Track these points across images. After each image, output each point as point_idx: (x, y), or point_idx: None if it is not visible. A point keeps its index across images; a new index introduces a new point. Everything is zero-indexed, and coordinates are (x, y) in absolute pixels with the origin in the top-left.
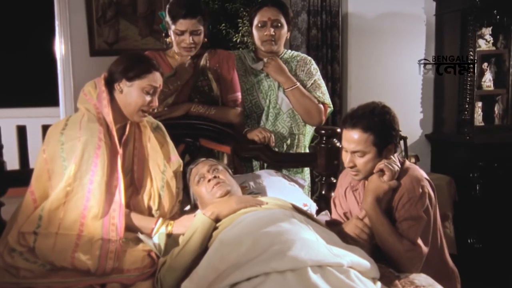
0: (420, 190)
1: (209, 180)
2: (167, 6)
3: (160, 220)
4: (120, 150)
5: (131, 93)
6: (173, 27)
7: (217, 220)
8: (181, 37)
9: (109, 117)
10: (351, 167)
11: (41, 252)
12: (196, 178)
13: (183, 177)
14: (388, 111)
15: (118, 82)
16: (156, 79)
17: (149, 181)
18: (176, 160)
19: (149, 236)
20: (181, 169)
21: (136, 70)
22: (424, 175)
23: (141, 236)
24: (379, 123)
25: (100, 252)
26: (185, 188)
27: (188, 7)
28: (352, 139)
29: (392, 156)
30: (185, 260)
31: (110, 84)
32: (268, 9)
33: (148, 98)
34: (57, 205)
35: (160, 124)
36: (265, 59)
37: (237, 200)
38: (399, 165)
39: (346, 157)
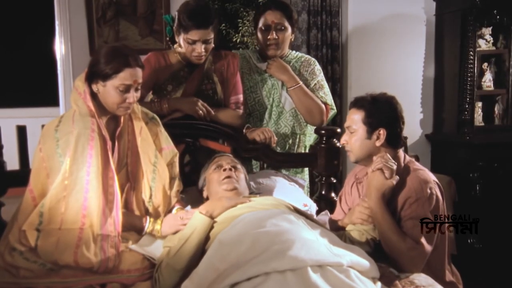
0: (428, 192)
1: (224, 170)
2: (176, 12)
3: (149, 219)
4: (116, 143)
5: (107, 92)
6: (184, 36)
7: (211, 218)
8: (192, 46)
9: (93, 111)
10: (344, 145)
11: (44, 251)
12: (214, 166)
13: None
14: (388, 99)
15: (95, 83)
16: (128, 76)
17: (142, 174)
18: (170, 150)
19: (140, 234)
20: (176, 159)
21: (107, 70)
22: (433, 177)
23: (134, 247)
24: (371, 102)
25: (101, 247)
26: (184, 190)
27: (202, 17)
28: (348, 116)
29: (389, 153)
30: (184, 260)
31: (90, 81)
32: (272, 12)
33: (124, 95)
34: (56, 200)
35: (155, 115)
36: (268, 60)
37: (228, 199)
38: (395, 162)
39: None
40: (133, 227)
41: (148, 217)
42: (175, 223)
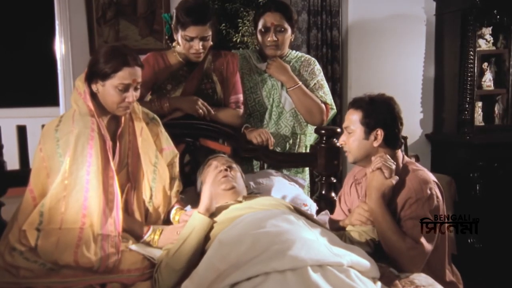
0: (429, 192)
1: (220, 171)
2: (174, 10)
3: (151, 229)
4: (117, 143)
5: (107, 92)
6: (182, 33)
7: (211, 214)
8: (190, 43)
9: (93, 111)
10: (342, 146)
11: (44, 251)
12: (210, 168)
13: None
14: (386, 99)
15: (95, 83)
16: (126, 75)
17: (142, 175)
18: (170, 150)
19: (138, 240)
20: (177, 159)
21: (106, 69)
22: (433, 177)
23: (134, 247)
24: (369, 103)
25: (101, 247)
26: (183, 190)
27: (199, 14)
28: (346, 117)
29: (387, 154)
30: (183, 260)
31: (90, 81)
32: (271, 14)
33: (123, 94)
34: (57, 200)
35: (156, 116)
36: (268, 60)
37: (208, 184)
38: (394, 162)
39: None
40: (132, 233)
41: (151, 228)
42: (172, 237)
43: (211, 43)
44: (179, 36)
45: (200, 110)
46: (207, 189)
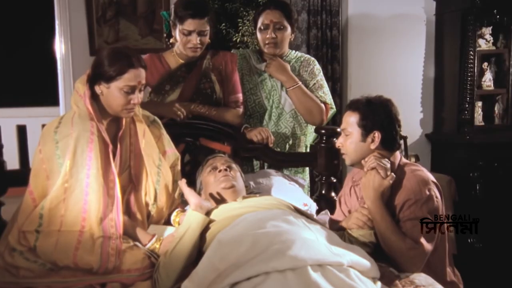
0: (427, 193)
1: (219, 171)
2: (173, 5)
3: (155, 238)
4: (118, 145)
5: (111, 94)
6: (180, 27)
7: (210, 214)
8: (188, 37)
9: (92, 114)
10: (340, 148)
11: (43, 251)
12: (209, 168)
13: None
14: (383, 101)
15: (98, 85)
16: (132, 77)
17: (145, 176)
18: (173, 153)
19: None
20: (179, 162)
21: (111, 72)
22: (432, 178)
23: (138, 244)
24: (366, 105)
25: (101, 249)
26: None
27: (197, 7)
28: (344, 119)
29: (384, 156)
30: (180, 259)
31: (93, 83)
32: (271, 11)
33: (128, 96)
34: (57, 203)
35: (157, 118)
36: (267, 59)
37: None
38: (388, 161)
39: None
40: (135, 239)
41: (154, 237)
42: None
43: (209, 40)
44: (177, 32)
45: (179, 112)
46: (187, 188)
